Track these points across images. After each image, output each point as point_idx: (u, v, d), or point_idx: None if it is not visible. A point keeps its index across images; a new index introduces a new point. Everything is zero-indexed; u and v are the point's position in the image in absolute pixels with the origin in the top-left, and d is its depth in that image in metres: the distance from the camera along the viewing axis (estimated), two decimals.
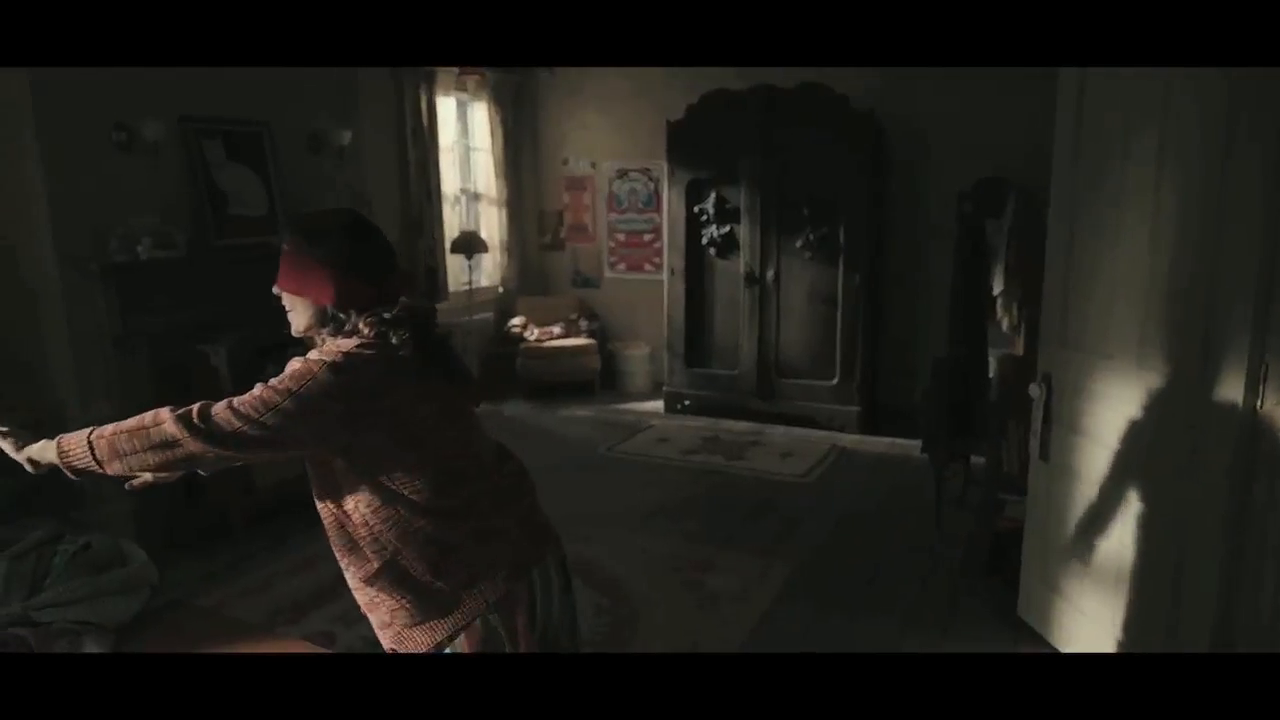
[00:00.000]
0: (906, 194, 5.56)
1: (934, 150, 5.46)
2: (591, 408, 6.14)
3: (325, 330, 1.50)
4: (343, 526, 1.50)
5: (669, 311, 5.83)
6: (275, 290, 1.54)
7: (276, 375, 1.44)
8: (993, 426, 3.71)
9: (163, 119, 3.76)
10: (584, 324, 6.61)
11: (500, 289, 6.76)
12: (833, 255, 5.26)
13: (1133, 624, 2.42)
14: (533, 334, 6.44)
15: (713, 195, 5.53)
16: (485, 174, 6.62)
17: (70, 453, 1.41)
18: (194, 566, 3.47)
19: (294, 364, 1.43)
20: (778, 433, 5.43)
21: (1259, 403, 1.98)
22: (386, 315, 1.45)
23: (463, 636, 1.49)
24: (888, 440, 5.21)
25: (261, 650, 1.84)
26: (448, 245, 6.01)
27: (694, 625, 3.08)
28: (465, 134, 6.50)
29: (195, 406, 1.38)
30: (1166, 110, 2.18)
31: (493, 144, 6.52)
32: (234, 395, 1.41)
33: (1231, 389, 2.03)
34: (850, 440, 5.24)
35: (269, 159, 4.31)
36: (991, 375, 4.03)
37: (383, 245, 1.54)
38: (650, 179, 6.48)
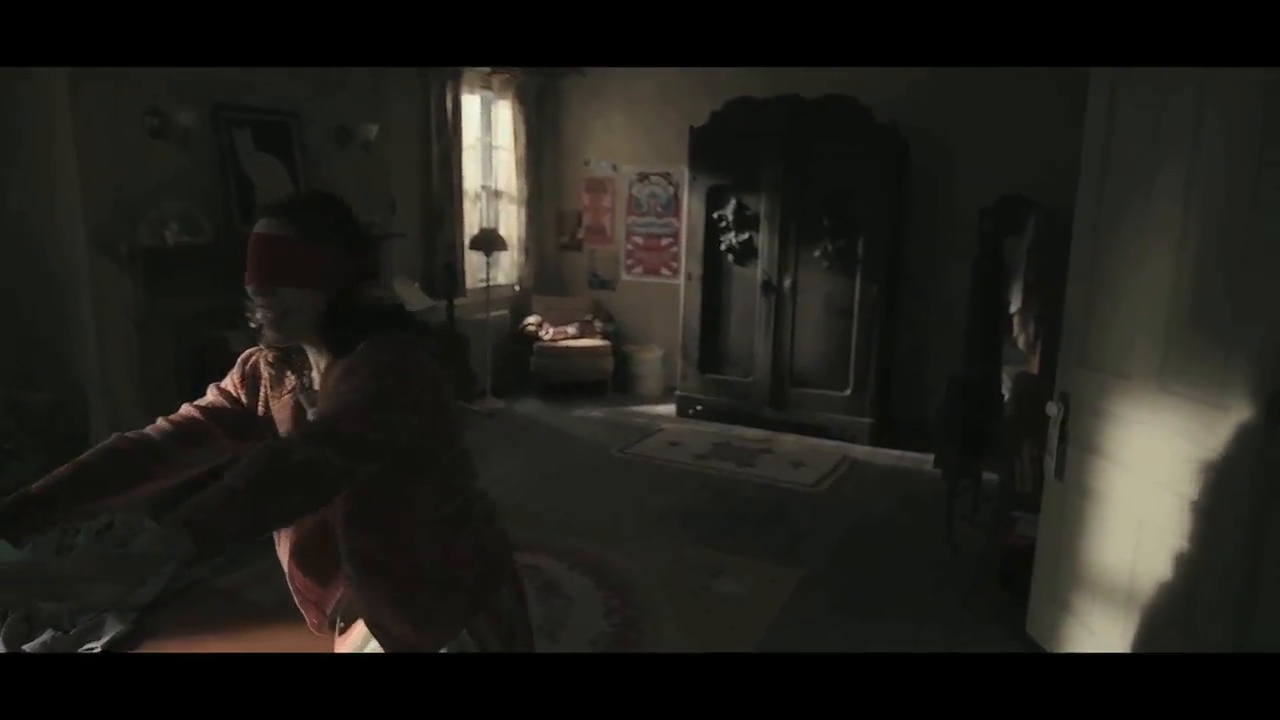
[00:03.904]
0: (927, 209, 5.57)
1: (956, 166, 5.47)
2: (603, 409, 6.17)
3: (335, 330, 1.35)
4: (395, 531, 1.38)
5: (684, 316, 5.86)
6: (259, 289, 1.32)
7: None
8: (1007, 443, 3.72)
9: (195, 107, 3.81)
10: (599, 325, 6.65)
11: (517, 287, 6.80)
12: (850, 266, 5.28)
13: (1142, 645, 2.43)
14: (548, 333, 6.47)
15: (733, 202, 5.56)
16: (506, 172, 6.67)
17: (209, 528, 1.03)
18: None
19: (368, 358, 1.29)
20: (789, 441, 5.44)
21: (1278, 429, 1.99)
22: (403, 305, 1.45)
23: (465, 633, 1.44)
24: (899, 453, 5.22)
25: (275, 635, 1.87)
26: (467, 241, 6.05)
27: (703, 629, 3.10)
28: (488, 131, 6.54)
29: (313, 430, 1.21)
30: (1196, 142, 2.19)
31: (515, 143, 6.57)
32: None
33: (1250, 415, 2.05)
34: (861, 452, 5.26)
35: (296, 150, 4.36)
36: (1005, 392, 4.04)
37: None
38: (671, 183, 6.51)
